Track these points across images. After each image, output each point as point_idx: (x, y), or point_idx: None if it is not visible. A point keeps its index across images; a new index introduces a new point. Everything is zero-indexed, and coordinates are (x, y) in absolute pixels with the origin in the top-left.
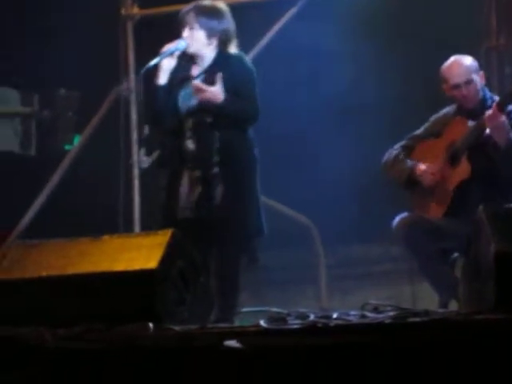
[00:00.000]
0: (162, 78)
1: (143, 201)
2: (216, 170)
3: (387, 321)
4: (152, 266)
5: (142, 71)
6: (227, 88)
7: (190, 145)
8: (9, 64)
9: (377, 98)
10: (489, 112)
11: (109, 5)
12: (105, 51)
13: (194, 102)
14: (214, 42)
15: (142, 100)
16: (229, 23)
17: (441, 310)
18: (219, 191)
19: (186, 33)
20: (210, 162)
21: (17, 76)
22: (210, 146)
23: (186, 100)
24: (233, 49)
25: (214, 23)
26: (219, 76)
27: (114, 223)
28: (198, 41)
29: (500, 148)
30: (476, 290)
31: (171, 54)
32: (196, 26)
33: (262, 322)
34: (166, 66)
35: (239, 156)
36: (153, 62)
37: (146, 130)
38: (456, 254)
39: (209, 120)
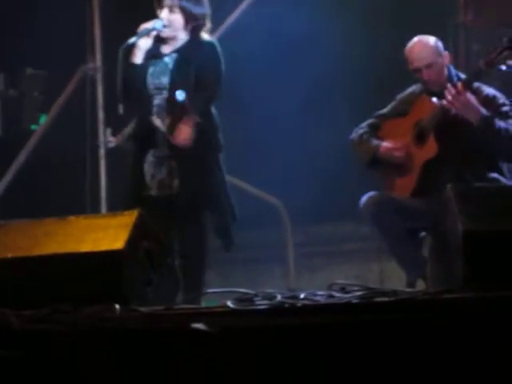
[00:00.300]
0: (139, 57)
1: (110, 181)
2: (181, 150)
3: (354, 301)
4: (119, 246)
5: (122, 49)
6: (195, 73)
7: (156, 121)
8: None
9: (346, 79)
10: (449, 92)
11: None
12: (72, 30)
13: (163, 79)
14: (190, 26)
15: (119, 78)
16: (207, 8)
17: (408, 290)
18: (184, 171)
19: (164, 14)
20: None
21: None
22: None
23: (154, 77)
24: (205, 33)
25: (195, 8)
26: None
27: (80, 204)
28: (176, 24)
29: (473, 125)
30: (444, 269)
31: (148, 33)
32: (176, 10)
33: (228, 303)
34: (143, 45)
35: (204, 138)
36: (131, 41)
37: (121, 109)
38: (423, 233)
39: (179, 99)
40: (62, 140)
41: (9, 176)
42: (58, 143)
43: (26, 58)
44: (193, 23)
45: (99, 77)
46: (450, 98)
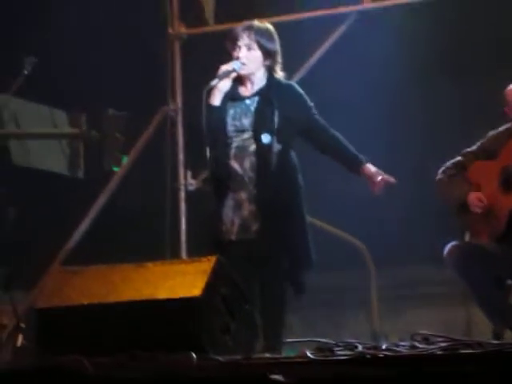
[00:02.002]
0: (217, 99)
1: (190, 225)
2: (260, 192)
3: (438, 352)
4: (196, 293)
5: (204, 91)
6: (282, 118)
7: (235, 165)
8: (56, 85)
9: (428, 117)
10: None
11: (157, 24)
12: (153, 71)
13: (245, 121)
14: (265, 66)
15: (203, 121)
16: (278, 46)
17: (495, 342)
18: (264, 214)
19: (242, 53)
20: (256, 185)
21: (64, 97)
22: (257, 169)
23: (236, 119)
24: (279, 74)
25: (271, 45)
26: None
27: (160, 248)
28: (254, 62)
29: None
30: None
31: (228, 74)
32: (254, 46)
33: (308, 353)
34: (222, 86)
35: (283, 180)
36: (213, 83)
37: (208, 151)
38: (510, 281)
39: (264, 141)
40: (143, 182)
41: (88, 219)
42: (138, 186)
43: (107, 98)
44: (269, 60)
45: (179, 118)
46: None
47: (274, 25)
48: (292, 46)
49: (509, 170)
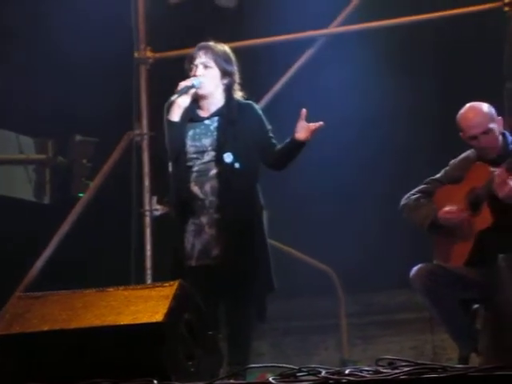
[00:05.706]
0: (177, 115)
1: (156, 250)
2: (221, 217)
3: (402, 377)
4: (159, 319)
5: (165, 107)
6: (243, 137)
7: (195, 189)
8: (22, 111)
9: (389, 143)
10: (497, 176)
11: (123, 49)
12: (122, 96)
13: (205, 142)
14: (224, 85)
15: (165, 138)
16: (235, 67)
17: (459, 366)
18: (224, 240)
19: (200, 71)
20: (216, 209)
21: (31, 122)
22: (219, 192)
23: (195, 140)
24: (237, 94)
25: (228, 65)
26: None
27: (125, 273)
28: (213, 80)
29: None
30: (498, 342)
31: (187, 91)
32: (212, 64)
33: (270, 379)
34: (181, 102)
35: (246, 204)
36: (172, 98)
37: (170, 167)
38: (477, 305)
39: (227, 160)
40: (107, 208)
41: (52, 245)
42: (102, 211)
43: (74, 124)
44: (227, 79)
45: (145, 143)
46: (497, 183)
47: (240, 50)
48: (258, 72)
49: (475, 192)
